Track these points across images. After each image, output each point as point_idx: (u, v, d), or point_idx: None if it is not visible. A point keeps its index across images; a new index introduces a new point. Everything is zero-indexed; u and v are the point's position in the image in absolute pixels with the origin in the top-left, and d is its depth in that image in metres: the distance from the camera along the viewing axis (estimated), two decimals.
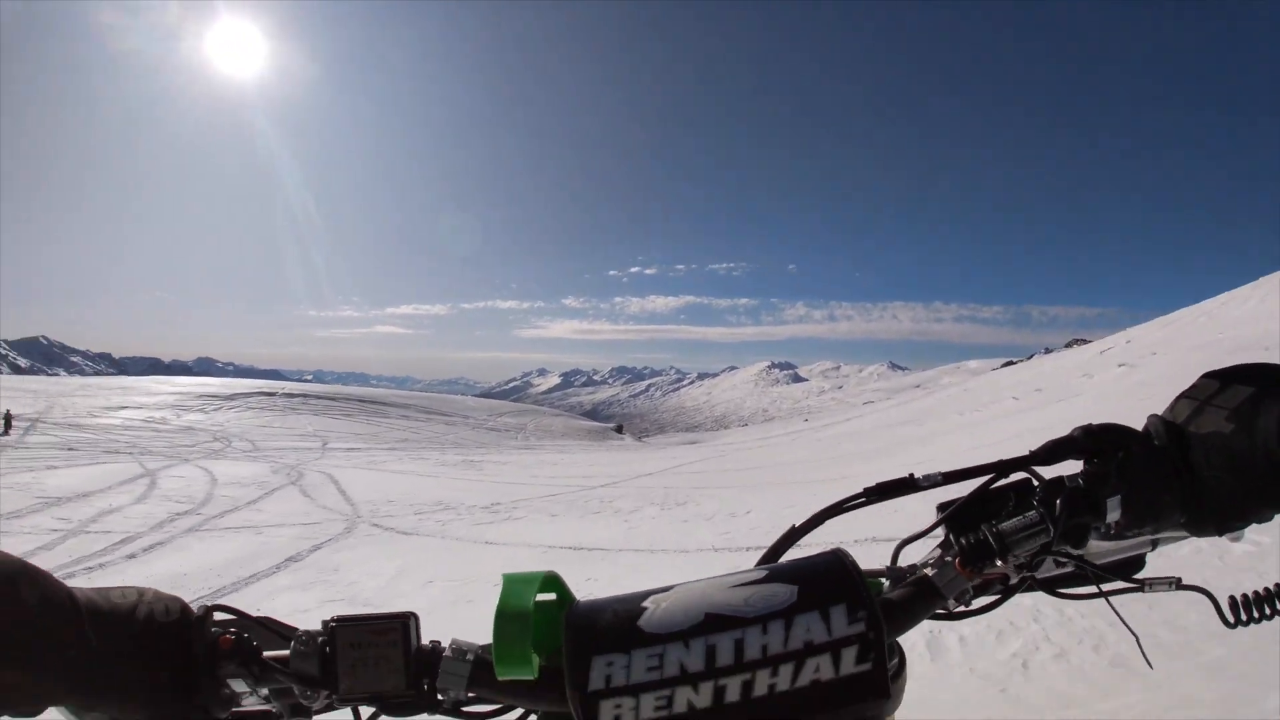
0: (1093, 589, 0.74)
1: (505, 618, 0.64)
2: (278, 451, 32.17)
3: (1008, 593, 0.74)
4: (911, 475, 0.74)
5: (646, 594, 0.64)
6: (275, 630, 0.74)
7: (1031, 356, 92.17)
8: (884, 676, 0.58)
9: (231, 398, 55.81)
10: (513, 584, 0.66)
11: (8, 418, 32.01)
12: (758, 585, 0.62)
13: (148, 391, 55.98)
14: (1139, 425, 0.72)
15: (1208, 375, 0.70)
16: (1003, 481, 0.74)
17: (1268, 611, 0.68)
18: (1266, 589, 0.68)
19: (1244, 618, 0.69)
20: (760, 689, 0.57)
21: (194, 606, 0.72)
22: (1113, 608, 0.74)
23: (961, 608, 0.71)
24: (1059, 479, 0.72)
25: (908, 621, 0.66)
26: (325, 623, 0.71)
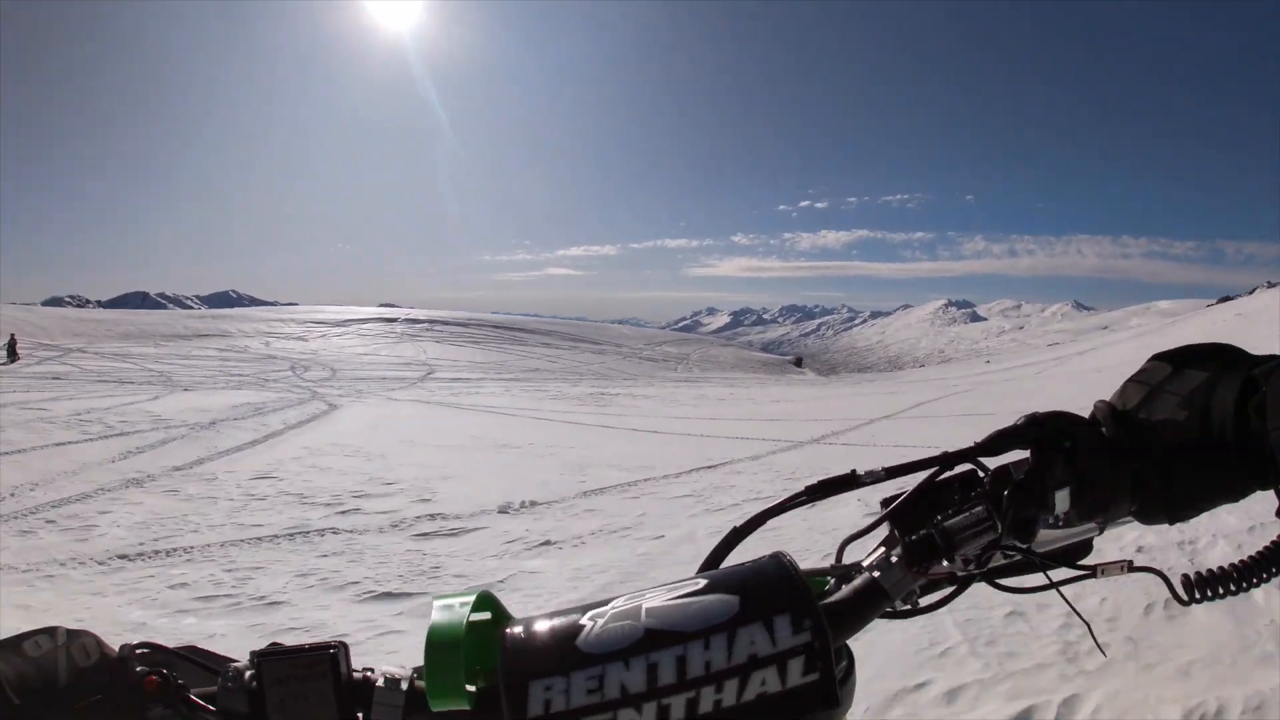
0: (1042, 579, 0.71)
1: (436, 646, 0.61)
2: (353, 381, 25.81)
3: (958, 589, 0.70)
4: (854, 471, 0.73)
5: (585, 608, 0.61)
6: (201, 664, 0.70)
7: (1254, 291, 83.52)
8: (832, 685, 0.57)
9: (343, 324, 49.39)
10: (443, 608, 0.64)
11: (11, 343, 26.81)
12: (698, 597, 0.60)
13: (245, 319, 50.03)
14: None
15: (1157, 357, 0.69)
16: (948, 474, 0.72)
17: (1220, 590, 0.65)
18: (1221, 568, 0.65)
19: (1197, 596, 0.66)
20: (705, 706, 0.56)
21: (111, 644, 0.68)
22: (1064, 598, 0.73)
23: (909, 606, 0.70)
24: (1005, 470, 0.69)
25: (854, 625, 0.63)
26: (253, 654, 0.67)
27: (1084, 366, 32.60)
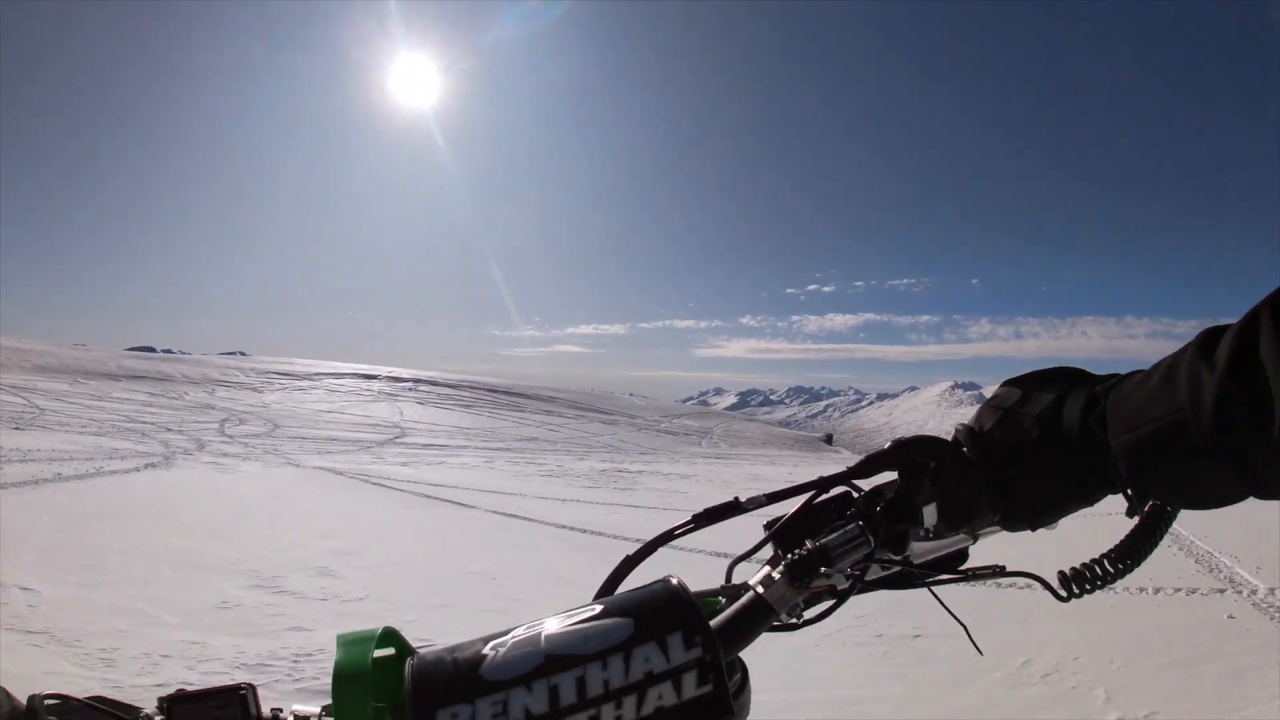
0: (919, 584, 0.78)
1: (343, 679, 0.64)
2: (283, 440, 21.25)
3: (839, 600, 0.75)
4: (737, 499, 0.78)
5: (487, 639, 0.64)
6: (110, 712, 0.72)
7: None
8: (725, 695, 0.60)
9: (311, 378, 43.28)
10: (348, 644, 0.67)
11: None
12: (594, 621, 0.63)
13: (198, 364, 44.28)
14: None
15: (1009, 383, 0.76)
16: (824, 496, 0.78)
17: (1097, 582, 0.74)
18: (1094, 560, 0.74)
19: (1075, 591, 0.74)
20: None
21: (19, 694, 0.71)
22: (937, 598, 0.78)
23: (795, 619, 0.73)
24: (877, 490, 0.76)
25: (743, 639, 0.67)
26: (160, 700, 0.71)
27: None
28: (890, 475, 0.76)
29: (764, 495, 0.77)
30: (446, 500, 11.78)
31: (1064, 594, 0.73)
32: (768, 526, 0.78)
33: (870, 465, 0.76)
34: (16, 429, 15.39)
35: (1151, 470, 0.63)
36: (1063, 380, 0.72)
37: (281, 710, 0.70)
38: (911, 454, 0.75)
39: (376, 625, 0.68)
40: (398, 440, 25.63)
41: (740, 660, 0.68)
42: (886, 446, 0.76)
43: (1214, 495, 0.62)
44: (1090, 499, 0.70)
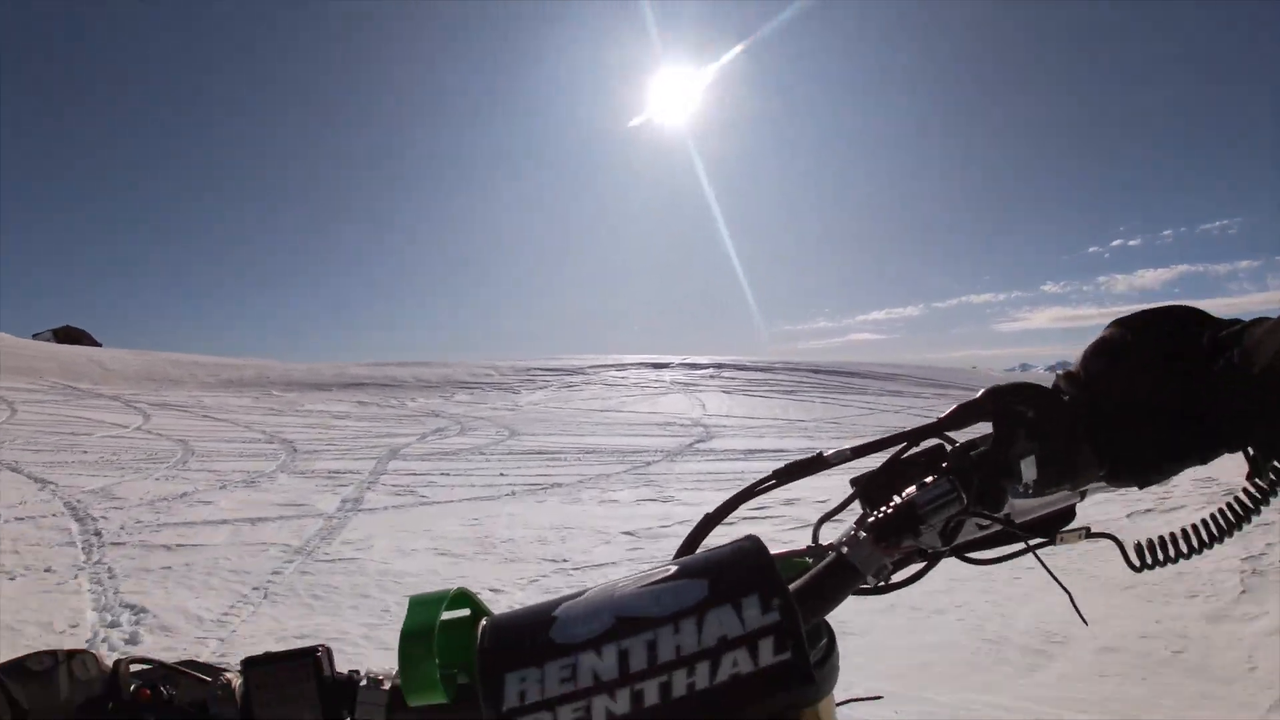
0: (1011, 549, 0.74)
1: (409, 640, 0.64)
2: (513, 456, 11.60)
3: (931, 562, 0.72)
4: (820, 453, 0.75)
5: (558, 602, 0.63)
6: (195, 674, 0.75)
7: None
8: (805, 662, 0.56)
9: (583, 371, 34.87)
10: (417, 606, 0.67)
11: None
12: (668, 582, 0.61)
13: (445, 365, 37.21)
14: None
15: (1117, 324, 0.70)
16: (913, 450, 0.74)
17: (1171, 554, 0.69)
18: (1171, 534, 0.69)
19: (1149, 561, 0.71)
20: (679, 689, 0.55)
21: (106, 659, 0.74)
22: (1041, 562, 0.74)
23: (883, 582, 0.71)
24: (971, 443, 0.72)
25: (826, 603, 0.63)
26: (242, 662, 0.73)
27: None
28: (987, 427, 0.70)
29: (849, 449, 0.74)
30: None
31: (1136, 563, 0.69)
32: (854, 482, 0.74)
33: (963, 415, 0.70)
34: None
35: None
36: (1181, 322, 0.65)
37: (357, 671, 0.71)
38: (1007, 402, 0.68)
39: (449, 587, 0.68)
40: (700, 446, 14.73)
41: (827, 625, 0.64)
42: (980, 395, 0.70)
43: None
44: (1206, 456, 0.64)
